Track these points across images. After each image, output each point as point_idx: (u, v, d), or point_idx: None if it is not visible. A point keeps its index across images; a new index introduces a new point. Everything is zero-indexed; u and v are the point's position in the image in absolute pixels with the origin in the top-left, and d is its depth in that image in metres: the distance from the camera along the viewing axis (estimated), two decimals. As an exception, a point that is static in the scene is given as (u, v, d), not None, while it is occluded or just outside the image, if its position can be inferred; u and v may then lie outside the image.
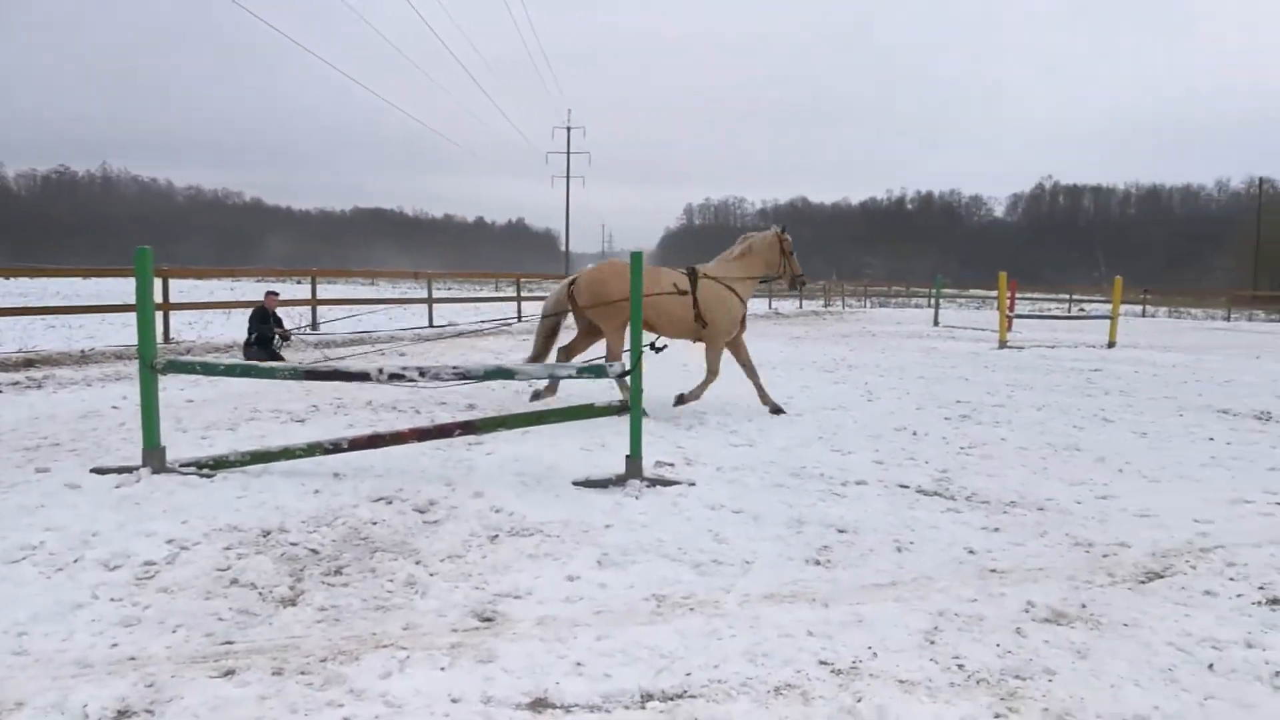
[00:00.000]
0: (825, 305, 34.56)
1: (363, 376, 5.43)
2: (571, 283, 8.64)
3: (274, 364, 6.59)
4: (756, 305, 35.14)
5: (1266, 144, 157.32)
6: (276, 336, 12.21)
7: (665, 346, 7.44)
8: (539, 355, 8.80)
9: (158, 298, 11.35)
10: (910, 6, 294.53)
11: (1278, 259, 63.05)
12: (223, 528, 4.36)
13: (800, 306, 30.58)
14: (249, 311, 12.85)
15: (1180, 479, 6.14)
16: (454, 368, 5.39)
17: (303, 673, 2.90)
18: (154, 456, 5.24)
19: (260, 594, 3.61)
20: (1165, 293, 49.08)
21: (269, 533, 4.33)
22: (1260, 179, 67.21)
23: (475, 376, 5.44)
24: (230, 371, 5.77)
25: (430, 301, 19.24)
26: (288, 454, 5.41)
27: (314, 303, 16.74)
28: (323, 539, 4.28)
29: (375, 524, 4.51)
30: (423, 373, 5.32)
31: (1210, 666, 3.17)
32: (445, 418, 7.37)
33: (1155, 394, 10.66)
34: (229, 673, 2.90)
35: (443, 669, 2.98)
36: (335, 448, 5.41)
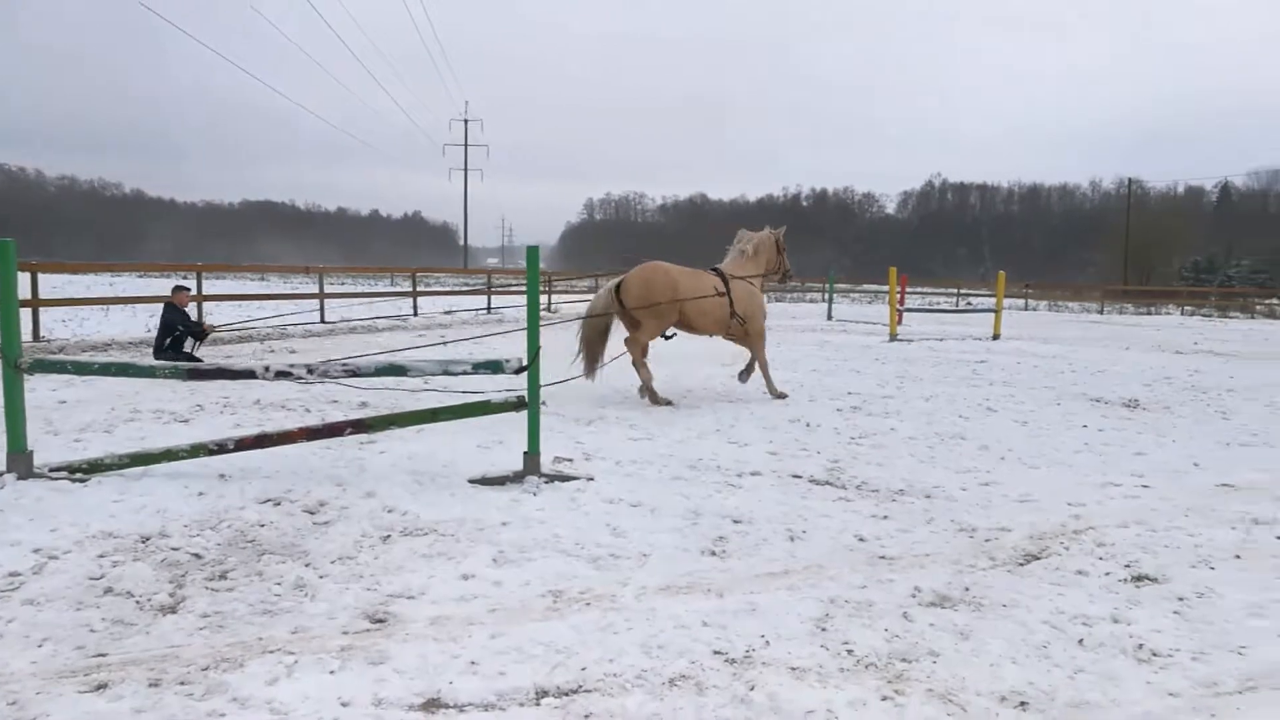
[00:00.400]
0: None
1: (248, 374, 5.26)
2: (619, 285, 8.89)
3: (154, 363, 6.31)
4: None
5: (1135, 146, 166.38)
6: (189, 337, 10.85)
7: (674, 335, 8.96)
8: (595, 357, 8.86)
9: (25, 293, 10.75)
10: (810, 7, 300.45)
11: (1145, 255, 66.75)
12: (96, 534, 4.16)
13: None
14: (154, 310, 11.73)
15: (1056, 465, 6.44)
16: (344, 364, 5.26)
17: (182, 683, 2.79)
18: (19, 461, 4.96)
19: (138, 602, 3.45)
20: (1045, 287, 51.36)
21: (148, 538, 4.15)
22: (1129, 179, 70.89)
23: (367, 373, 5.32)
24: (105, 370, 5.50)
25: (322, 296, 18.74)
26: (170, 455, 5.19)
27: (200, 299, 16.10)
28: (207, 543, 4.13)
29: (263, 526, 4.38)
30: (311, 370, 5.18)
31: (1080, 642, 3.34)
32: (338, 416, 7.19)
33: (1035, 384, 11.16)
34: (101, 686, 2.77)
35: (332, 672, 2.91)
36: (221, 448, 5.21)
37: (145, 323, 16.00)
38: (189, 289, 11.70)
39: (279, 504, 4.74)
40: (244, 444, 5.25)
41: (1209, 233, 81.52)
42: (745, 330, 9.33)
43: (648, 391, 8.78)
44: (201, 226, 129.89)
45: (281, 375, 5.21)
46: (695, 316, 8.91)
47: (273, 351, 12.94)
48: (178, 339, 10.67)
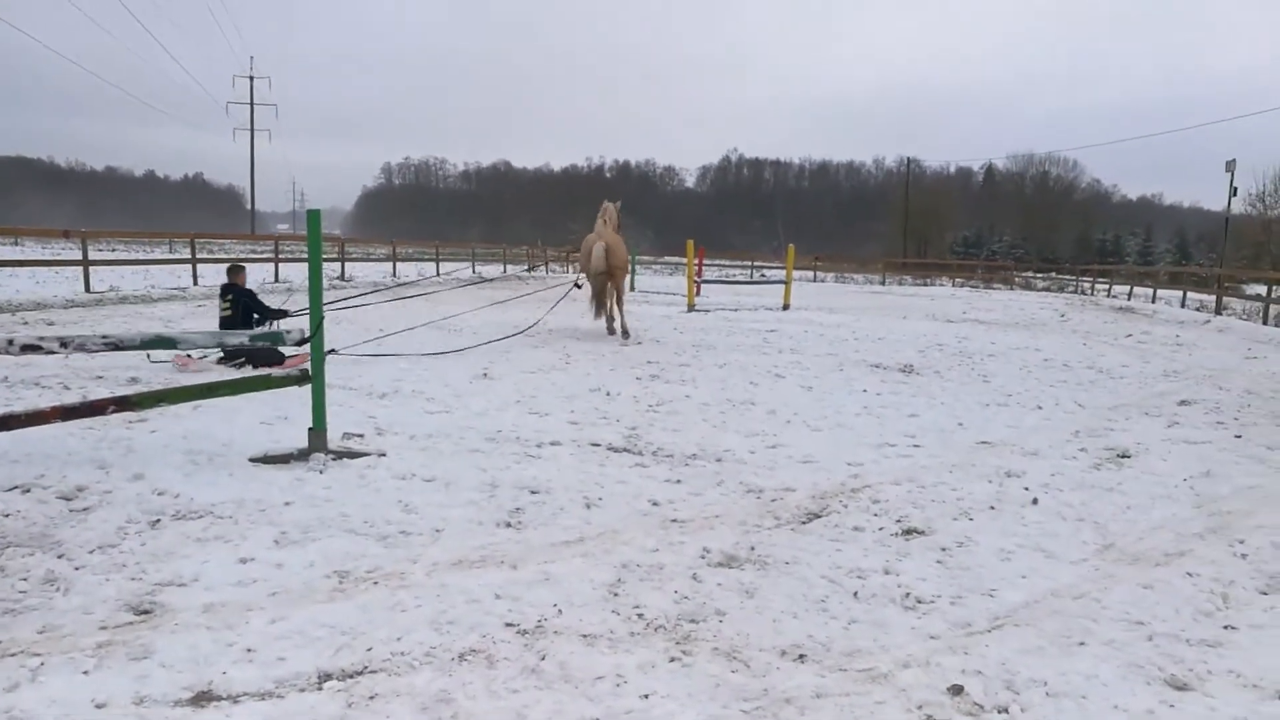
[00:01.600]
0: (529, 270, 34.76)
1: (-13, 349, 4.70)
2: (605, 251, 12.44)
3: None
4: (463, 272, 34.71)
5: (912, 128, 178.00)
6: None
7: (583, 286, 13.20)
8: (603, 304, 12.84)
9: None
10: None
11: (922, 229, 71.88)
12: None
13: (504, 271, 30.59)
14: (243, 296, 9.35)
15: (838, 427, 6.82)
16: (104, 337, 4.81)
17: (-99, 696, 2.48)
18: None
19: None
20: (832, 259, 54.22)
21: None
22: (909, 159, 76.07)
23: (131, 345, 4.89)
24: None
25: (86, 264, 17.09)
26: (-109, 442, 4.59)
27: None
28: (-63, 538, 3.69)
29: (7, 516, 3.95)
30: (64, 344, 4.70)
31: (855, 594, 3.56)
32: (102, 393, 6.59)
33: (820, 351, 11.77)
34: None
35: (86, 672, 2.67)
36: (-45, 432, 4.65)
37: None
38: (245, 268, 10.12)
39: (28, 491, 4.29)
40: (-15, 426, 4.71)
41: (976, 210, 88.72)
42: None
43: (622, 328, 12.72)
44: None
45: (29, 349, 4.70)
46: (619, 270, 12.94)
47: (25, 324, 11.73)
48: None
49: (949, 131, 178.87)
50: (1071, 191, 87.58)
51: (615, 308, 12.96)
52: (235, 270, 9.70)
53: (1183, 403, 8.38)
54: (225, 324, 9.11)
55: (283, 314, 9.44)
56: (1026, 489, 5.16)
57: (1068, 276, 46.25)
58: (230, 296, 9.22)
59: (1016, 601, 3.52)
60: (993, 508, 4.81)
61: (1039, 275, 51.72)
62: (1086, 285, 37.97)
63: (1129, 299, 29.37)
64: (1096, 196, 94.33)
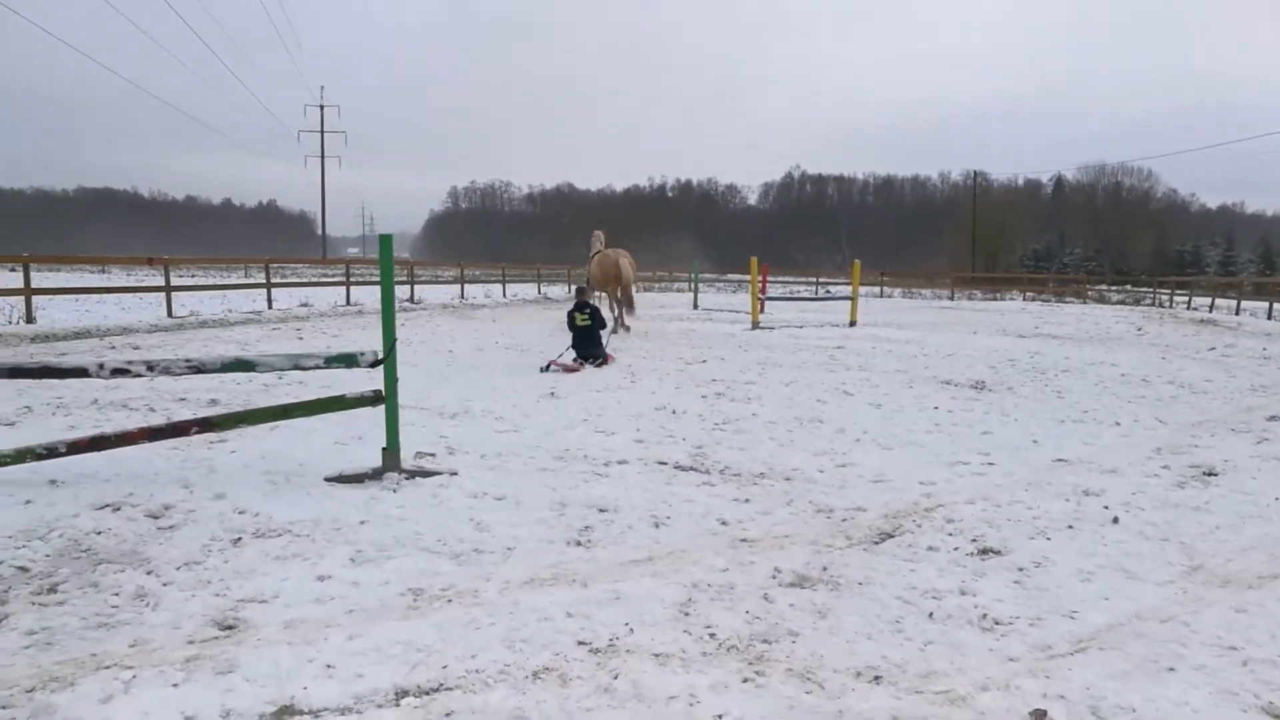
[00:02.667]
0: (623, 312, 35.09)
1: (79, 373, 4.91)
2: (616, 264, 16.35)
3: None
4: (528, 291, 35.09)
5: (980, 140, 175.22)
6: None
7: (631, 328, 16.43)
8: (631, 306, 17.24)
9: None
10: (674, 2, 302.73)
11: (990, 243, 70.63)
12: (-94, 550, 3.81)
13: (569, 291, 30.86)
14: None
15: (909, 445, 6.71)
16: (187, 361, 4.99)
17: (4, 707, 2.58)
18: None
19: (-47, 623, 3.18)
20: (899, 275, 53.60)
21: (-35, 553, 3.83)
22: (975, 172, 74.95)
23: (212, 368, 5.07)
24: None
25: (168, 290, 17.73)
26: (-10, 462, 4.81)
27: (28, 292, 14.97)
28: (34, 554, 3.84)
29: (99, 534, 4.10)
30: (151, 366, 4.88)
31: (930, 615, 3.49)
32: (185, 415, 6.82)
33: (889, 368, 11.62)
34: (-89, 715, 2.54)
35: (176, 685, 2.75)
36: (51, 452, 4.86)
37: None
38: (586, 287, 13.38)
39: (118, 509, 4.46)
40: (78, 446, 4.91)
41: (1045, 223, 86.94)
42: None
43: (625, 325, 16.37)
44: (30, 214, 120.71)
45: (119, 373, 4.90)
46: (627, 282, 16.81)
47: (113, 348, 12.19)
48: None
49: (1016, 143, 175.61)
50: (1146, 202, 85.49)
51: (619, 318, 16.70)
52: (582, 290, 12.68)
53: (1272, 418, 8.06)
54: (583, 332, 11.47)
55: (618, 321, 15.86)
56: (1106, 508, 5.02)
57: (1144, 289, 45.01)
58: (588, 310, 11.57)
59: (1099, 624, 3.42)
60: (1071, 527, 4.68)
61: (1113, 288, 50.39)
62: (1164, 298, 36.90)
63: (1210, 311, 28.46)
64: (1173, 206, 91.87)
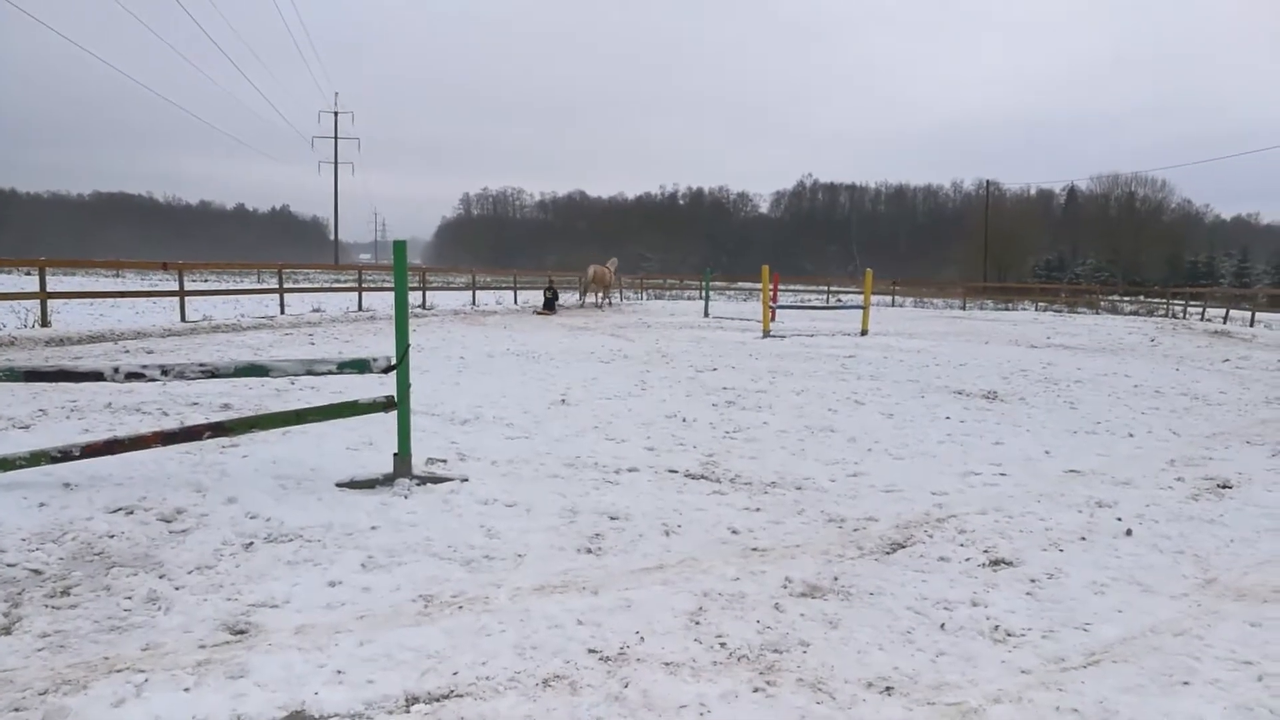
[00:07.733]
0: (604, 298, 35.14)
1: (94, 376, 4.93)
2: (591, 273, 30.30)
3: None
4: (539, 298, 35.13)
5: (991, 150, 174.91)
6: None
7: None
8: (587, 295, 31.57)
9: None
10: (685, 9, 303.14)
11: (1002, 253, 70.42)
12: (-79, 552, 3.83)
13: (581, 301, 30.95)
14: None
15: (921, 455, 6.69)
16: (201, 365, 5.00)
17: (16, 709, 2.60)
18: None
19: (-33, 624, 3.20)
20: (911, 284, 53.49)
21: (-20, 554, 3.85)
22: (988, 181, 74.68)
23: (225, 373, 5.08)
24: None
25: (182, 294, 17.83)
26: (5, 465, 4.83)
27: (43, 296, 15.06)
28: (48, 557, 3.86)
29: (112, 537, 4.12)
30: (165, 371, 4.91)
31: (942, 626, 3.47)
32: (197, 419, 6.85)
33: (901, 378, 11.58)
34: (-76, 716, 2.55)
35: (187, 689, 2.76)
36: (65, 455, 4.88)
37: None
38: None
39: (131, 513, 4.48)
40: (92, 450, 4.93)
41: (1058, 233, 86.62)
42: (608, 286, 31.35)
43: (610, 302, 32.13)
44: (46, 218, 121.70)
45: (133, 377, 4.92)
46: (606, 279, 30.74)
47: (127, 352, 12.25)
48: None
49: (1029, 154, 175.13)
50: (1160, 212, 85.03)
51: (603, 299, 31.51)
52: (551, 284, 26.29)
53: (1286, 431, 8.01)
54: (548, 302, 25.59)
55: (605, 300, 31.62)
56: (1119, 519, 4.99)
57: (1157, 300, 44.77)
58: (551, 290, 25.80)
59: (1112, 637, 3.40)
60: (1084, 539, 4.66)
61: (1126, 299, 50.14)
62: (1178, 308, 36.69)
63: (1224, 322, 28.28)
64: (1187, 217, 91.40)
